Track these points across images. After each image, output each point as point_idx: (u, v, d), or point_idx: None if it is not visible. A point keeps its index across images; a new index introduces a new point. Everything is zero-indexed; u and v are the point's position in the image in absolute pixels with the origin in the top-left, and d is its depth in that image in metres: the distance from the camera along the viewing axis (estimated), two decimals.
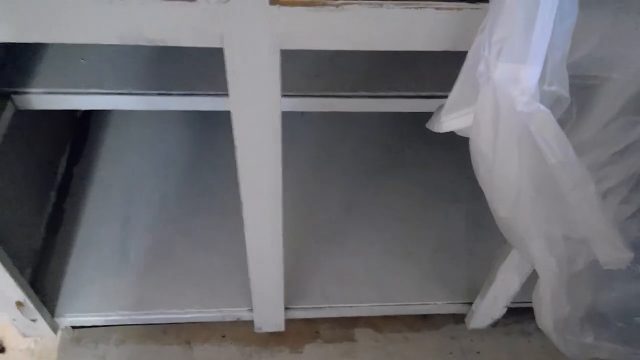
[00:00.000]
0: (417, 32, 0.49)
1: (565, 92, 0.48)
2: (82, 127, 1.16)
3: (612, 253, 0.57)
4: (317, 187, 1.09)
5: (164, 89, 0.81)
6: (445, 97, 0.84)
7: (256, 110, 0.56)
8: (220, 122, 1.18)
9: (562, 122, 0.51)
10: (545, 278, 0.66)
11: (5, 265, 0.76)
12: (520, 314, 0.99)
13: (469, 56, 0.47)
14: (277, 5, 0.46)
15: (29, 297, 0.83)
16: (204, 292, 0.94)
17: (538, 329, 1.00)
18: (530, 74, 0.41)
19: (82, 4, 0.44)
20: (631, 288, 0.72)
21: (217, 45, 0.49)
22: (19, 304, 0.84)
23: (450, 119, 0.53)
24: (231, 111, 0.57)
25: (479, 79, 0.44)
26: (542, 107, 0.43)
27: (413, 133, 1.19)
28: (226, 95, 0.80)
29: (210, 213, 1.03)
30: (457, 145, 1.15)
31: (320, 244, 1.01)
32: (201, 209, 1.04)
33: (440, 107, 0.55)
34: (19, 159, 0.88)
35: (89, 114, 1.20)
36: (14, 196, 0.87)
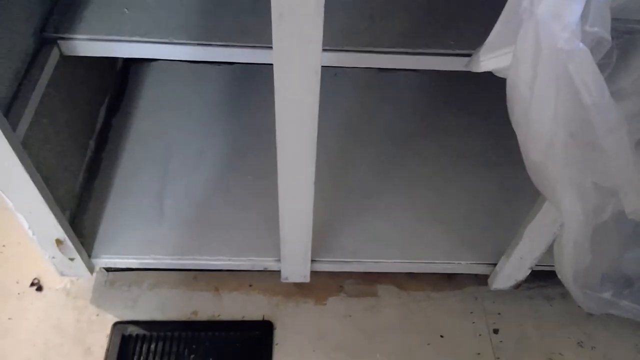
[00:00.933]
0: None
1: (607, 34, 0.48)
2: (121, 80, 1.20)
3: (638, 202, 0.58)
4: (351, 148, 1.11)
5: (205, 39, 0.83)
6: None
7: (298, 55, 0.57)
8: (257, 80, 1.20)
9: (601, 66, 0.51)
10: (570, 226, 0.67)
11: (48, 203, 0.80)
12: (543, 278, 1.00)
13: None
14: None
15: (69, 235, 0.88)
16: (235, 242, 0.97)
17: (561, 294, 1.02)
18: (573, 10, 0.42)
19: None
20: None
21: None
22: (59, 242, 0.88)
23: (489, 58, 0.53)
24: (274, 48, 0.59)
25: (522, 15, 0.45)
26: (582, 45, 0.43)
27: (447, 99, 1.19)
28: (265, 47, 0.82)
29: (245, 170, 1.06)
30: (488, 112, 1.16)
31: (351, 202, 1.03)
32: (236, 165, 1.07)
33: (480, 46, 0.56)
34: (62, 104, 0.92)
35: (127, 68, 1.23)
36: (56, 140, 0.90)
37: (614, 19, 0.49)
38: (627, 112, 0.55)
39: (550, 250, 0.86)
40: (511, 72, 0.50)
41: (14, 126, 0.72)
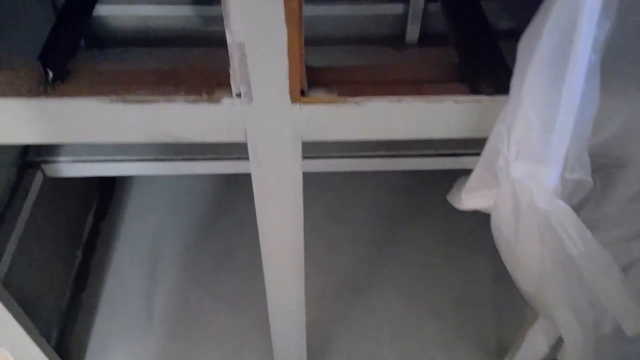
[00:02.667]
0: (436, 122, 0.49)
1: (587, 176, 0.48)
2: (109, 183, 1.19)
3: (637, 323, 0.56)
4: (337, 240, 1.09)
5: (189, 153, 0.83)
6: (465, 154, 0.86)
7: (277, 185, 0.56)
8: (242, 182, 1.19)
9: (585, 199, 0.51)
10: (571, 343, 0.65)
11: (32, 337, 0.78)
12: None
13: (489, 144, 0.48)
14: (299, 104, 0.47)
15: None
16: (227, 353, 0.94)
17: None
18: (549, 173, 0.41)
19: (112, 110, 0.46)
20: None
21: (241, 140, 0.50)
22: None
23: (470, 198, 0.53)
24: (254, 186, 0.58)
25: (498, 173, 0.44)
26: (562, 203, 0.43)
27: (433, 182, 1.19)
28: (247, 159, 0.82)
29: (234, 273, 1.04)
30: None
31: (342, 299, 1.01)
32: (225, 268, 1.05)
33: (461, 182, 0.55)
34: (47, 222, 0.90)
35: None
36: (41, 259, 0.89)
37: (593, 155, 0.49)
38: (615, 238, 0.55)
39: (553, 349, 0.84)
40: (494, 216, 0.49)
41: None
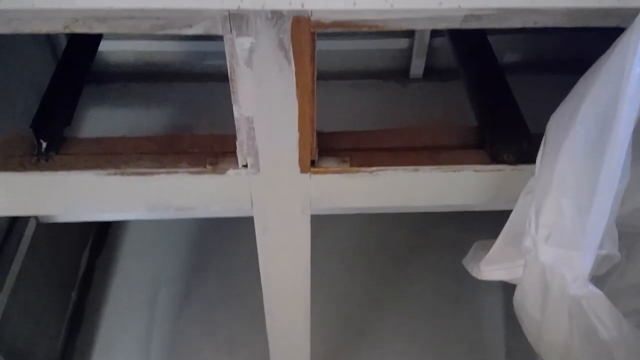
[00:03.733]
0: (455, 191, 0.47)
1: (615, 250, 0.45)
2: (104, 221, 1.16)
3: None
4: (341, 281, 1.06)
5: None
6: None
7: (284, 257, 0.54)
8: (242, 223, 1.16)
9: (610, 270, 0.48)
10: None
11: None
12: None
13: (512, 216, 0.45)
14: (309, 174, 0.44)
15: None
16: None
17: None
18: (583, 260, 0.39)
19: (110, 182, 0.43)
20: None
21: (246, 207, 0.47)
22: None
23: (491, 270, 0.50)
24: (259, 250, 0.55)
25: (524, 253, 0.42)
26: (595, 290, 0.40)
27: (439, 218, 1.16)
28: None
29: (233, 316, 1.00)
30: (487, 230, 1.13)
31: (350, 343, 0.97)
32: (223, 311, 1.01)
33: (477, 249, 0.53)
34: (41, 267, 0.87)
35: None
36: (36, 305, 0.85)
37: (619, 225, 0.46)
38: (636, 306, 0.52)
39: None
40: (518, 293, 0.46)
41: None
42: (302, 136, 0.41)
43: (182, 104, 0.95)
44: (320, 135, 0.46)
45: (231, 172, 0.44)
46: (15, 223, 0.79)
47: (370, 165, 0.44)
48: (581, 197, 0.36)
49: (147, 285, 1.05)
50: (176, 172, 0.44)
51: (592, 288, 0.40)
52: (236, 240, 1.13)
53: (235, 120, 0.40)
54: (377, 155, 0.45)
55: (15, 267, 0.77)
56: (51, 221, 0.81)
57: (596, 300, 0.40)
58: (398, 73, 1.01)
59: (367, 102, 0.96)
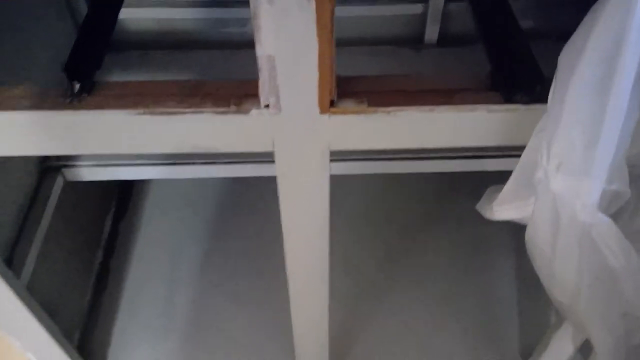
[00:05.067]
0: (470, 131, 0.48)
1: (625, 187, 0.46)
2: (127, 185, 1.19)
3: None
4: (358, 249, 1.08)
5: (210, 158, 0.83)
6: (487, 157, 0.85)
7: (303, 198, 0.56)
8: (263, 183, 1.18)
9: (620, 211, 0.50)
10: (602, 352, 0.64)
11: (56, 339, 0.78)
12: None
13: (525, 155, 0.46)
14: (328, 114, 0.46)
15: None
16: (247, 354, 0.94)
17: None
18: (592, 187, 0.40)
19: (139, 122, 0.46)
20: None
21: (268, 149, 0.49)
22: None
23: (503, 210, 0.52)
24: (280, 198, 0.57)
25: (536, 185, 0.43)
26: (604, 217, 0.41)
27: (454, 186, 1.17)
28: (268, 162, 0.81)
29: (254, 274, 1.04)
30: None
31: (364, 307, 1.00)
32: (245, 269, 1.05)
33: (491, 192, 0.54)
34: (68, 224, 0.91)
35: None
36: (63, 263, 0.89)
37: (630, 166, 0.47)
38: None
39: (581, 351, 0.83)
40: (529, 229, 0.48)
41: (18, 274, 0.71)
42: (321, 76, 0.43)
43: (201, 71, 0.97)
44: (339, 79, 0.47)
45: (254, 112, 0.46)
46: (43, 181, 0.82)
47: (387, 105, 0.46)
48: (590, 126, 0.38)
49: (169, 246, 1.09)
50: (202, 112, 0.46)
51: (601, 216, 0.41)
52: (256, 201, 1.16)
53: (257, 59, 0.42)
54: (393, 97, 0.47)
55: (44, 225, 0.80)
56: (77, 179, 0.84)
57: (605, 228, 0.42)
58: (412, 39, 1.02)
59: (381, 69, 0.97)
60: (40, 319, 0.74)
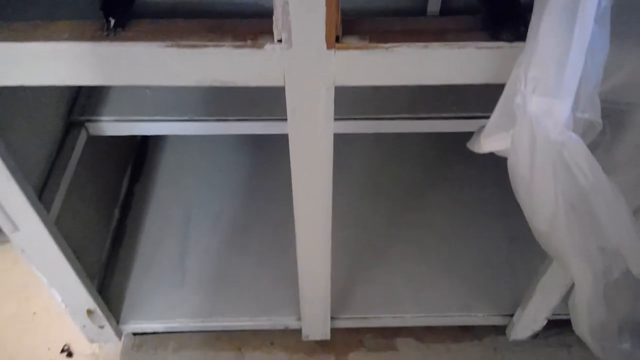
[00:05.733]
0: (460, 68, 0.54)
1: (597, 118, 0.52)
2: (142, 149, 1.26)
3: None
4: (363, 205, 1.15)
5: (222, 114, 0.89)
6: (483, 117, 0.90)
7: (311, 136, 0.62)
8: (272, 144, 1.25)
9: (595, 144, 0.55)
10: (581, 286, 0.70)
11: (80, 277, 0.85)
12: (560, 325, 1.01)
13: (507, 87, 0.52)
14: (333, 49, 0.52)
15: (99, 305, 0.92)
16: (255, 302, 1.00)
17: (579, 341, 1.03)
18: (562, 107, 0.46)
19: (167, 54, 0.52)
20: None
21: (279, 84, 0.55)
22: (90, 312, 0.92)
23: (489, 142, 0.57)
24: (289, 136, 0.63)
25: (515, 110, 0.49)
26: (573, 135, 0.47)
27: (454, 151, 1.23)
28: (278, 119, 0.87)
29: (263, 231, 1.11)
30: (497, 163, 1.19)
31: (365, 259, 1.06)
32: (254, 226, 1.11)
33: (480, 129, 0.60)
34: (89, 179, 0.97)
35: (147, 138, 1.29)
36: (85, 213, 0.95)
37: (604, 101, 0.53)
38: (624, 182, 0.59)
39: (565, 300, 0.88)
40: (511, 157, 0.54)
41: (48, 208, 0.77)
42: (328, 12, 0.49)
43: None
44: (344, 19, 0.53)
45: (268, 46, 0.52)
46: (68, 134, 0.88)
47: (386, 42, 0.52)
48: (560, 49, 0.44)
49: (182, 206, 1.15)
50: (222, 46, 0.52)
51: (570, 134, 0.47)
52: (265, 163, 1.22)
53: None
54: (392, 35, 0.53)
55: (68, 173, 0.86)
56: (100, 133, 0.90)
57: (574, 145, 0.47)
58: (415, 11, 1.07)
59: None
60: (67, 256, 0.80)
